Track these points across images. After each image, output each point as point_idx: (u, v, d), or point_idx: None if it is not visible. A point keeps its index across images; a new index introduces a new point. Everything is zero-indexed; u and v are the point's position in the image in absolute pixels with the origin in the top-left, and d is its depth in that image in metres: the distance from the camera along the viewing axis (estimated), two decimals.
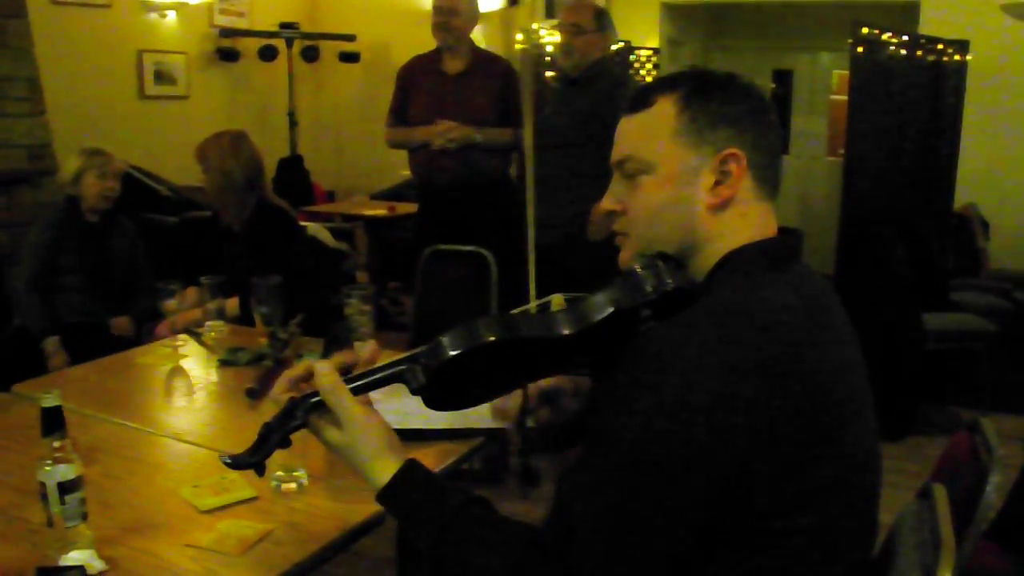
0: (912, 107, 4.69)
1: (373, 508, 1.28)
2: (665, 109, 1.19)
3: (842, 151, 4.63)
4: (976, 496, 1.52)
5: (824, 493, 1.06)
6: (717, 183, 1.17)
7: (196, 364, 2.54)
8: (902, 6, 6.07)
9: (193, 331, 2.72)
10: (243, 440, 1.90)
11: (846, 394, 1.09)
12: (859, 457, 1.10)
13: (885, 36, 4.45)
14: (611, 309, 1.14)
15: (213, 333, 2.68)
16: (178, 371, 2.47)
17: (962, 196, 5.38)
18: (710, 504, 1.02)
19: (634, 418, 1.02)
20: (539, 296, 1.33)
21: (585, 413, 1.39)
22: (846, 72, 4.51)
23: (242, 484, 1.65)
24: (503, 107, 3.88)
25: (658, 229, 1.20)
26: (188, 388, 2.38)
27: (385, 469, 1.18)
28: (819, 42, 7.88)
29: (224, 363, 2.48)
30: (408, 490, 1.18)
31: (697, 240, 1.19)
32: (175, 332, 2.66)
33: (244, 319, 2.88)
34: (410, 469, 1.19)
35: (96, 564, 1.38)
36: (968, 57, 5.07)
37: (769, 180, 1.20)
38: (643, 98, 1.22)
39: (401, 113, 4.03)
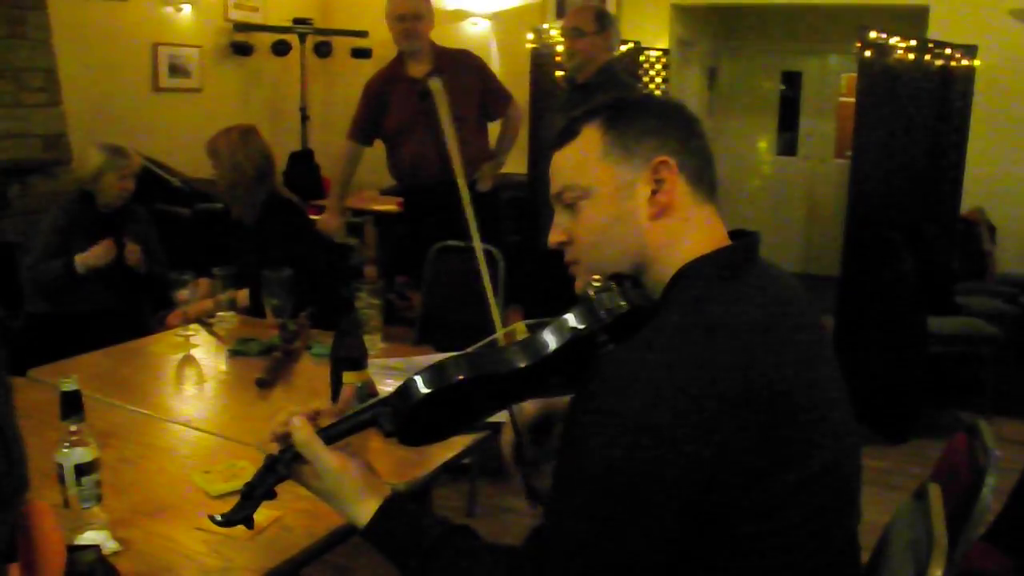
0: (920, 111, 4.70)
1: None
2: (591, 135, 1.23)
3: (849, 153, 4.64)
4: (973, 498, 1.54)
5: (794, 495, 1.08)
6: (653, 192, 1.19)
7: (207, 354, 2.58)
8: (911, 10, 6.08)
9: (204, 321, 2.77)
10: (253, 429, 1.96)
11: (810, 396, 1.10)
12: (829, 456, 1.11)
13: (893, 40, 4.46)
14: (568, 337, 1.15)
15: (224, 323, 2.72)
16: (189, 360, 2.51)
17: (969, 200, 5.38)
18: (680, 518, 1.04)
19: (597, 443, 1.04)
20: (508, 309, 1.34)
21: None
22: (854, 74, 4.52)
23: (252, 471, 1.68)
24: (484, 98, 3.99)
25: (607, 250, 1.22)
26: (199, 377, 2.42)
27: (366, 509, 1.22)
28: (828, 44, 7.88)
29: (235, 353, 2.52)
30: (389, 527, 1.21)
31: (647, 253, 1.20)
32: (187, 322, 2.71)
33: (254, 310, 2.92)
34: (389, 507, 1.22)
35: (110, 545, 1.42)
36: (976, 62, 5.07)
37: (704, 181, 1.22)
38: (569, 130, 1.26)
39: (365, 127, 4.13)
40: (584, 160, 1.23)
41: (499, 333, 1.33)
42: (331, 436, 1.24)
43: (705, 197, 1.22)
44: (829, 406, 1.15)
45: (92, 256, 3.42)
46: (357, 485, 1.22)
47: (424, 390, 1.17)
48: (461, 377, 1.17)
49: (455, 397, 1.19)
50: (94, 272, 3.44)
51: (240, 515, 1.26)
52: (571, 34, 3.73)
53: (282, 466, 1.25)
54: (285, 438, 1.25)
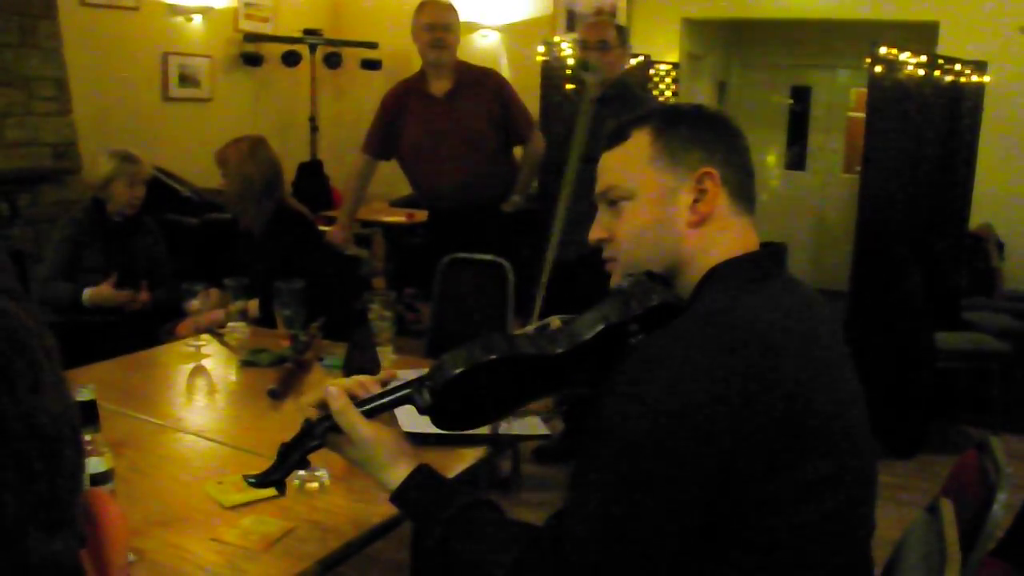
0: (929, 127, 4.70)
1: (391, 510, 1.35)
2: (640, 139, 1.28)
3: (858, 168, 4.64)
4: (983, 513, 1.54)
5: (809, 494, 1.10)
6: (695, 201, 1.24)
7: (217, 364, 2.58)
8: (921, 26, 6.08)
9: (216, 332, 2.77)
10: (264, 439, 1.96)
11: (829, 400, 1.13)
12: (845, 461, 1.13)
13: (903, 56, 4.47)
14: (601, 326, 1.20)
15: (235, 334, 2.73)
16: (200, 370, 2.52)
17: (977, 216, 5.39)
18: (697, 505, 1.07)
19: (621, 424, 1.08)
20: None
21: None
22: (864, 89, 4.52)
23: None
24: (503, 120, 3.88)
25: (644, 250, 1.27)
26: (210, 387, 2.42)
27: (397, 474, 1.27)
28: (838, 59, 7.89)
29: (246, 364, 2.53)
30: (418, 491, 1.27)
31: (682, 257, 1.25)
32: (197, 332, 2.71)
33: (264, 321, 2.92)
34: (420, 473, 1.28)
35: None
36: (986, 78, 5.08)
37: (744, 196, 1.28)
38: (620, 133, 1.31)
39: (380, 142, 3.97)
40: (631, 163, 1.28)
41: (533, 325, 1.36)
42: (367, 410, 1.28)
43: (743, 209, 1.27)
44: (848, 414, 1.17)
45: (100, 296, 3.44)
46: (391, 452, 1.28)
47: (459, 367, 1.20)
48: (494, 356, 1.20)
49: (489, 378, 1.22)
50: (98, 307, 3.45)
51: (273, 477, 1.29)
52: (599, 47, 3.73)
53: (318, 432, 1.28)
54: (323, 406, 1.29)
